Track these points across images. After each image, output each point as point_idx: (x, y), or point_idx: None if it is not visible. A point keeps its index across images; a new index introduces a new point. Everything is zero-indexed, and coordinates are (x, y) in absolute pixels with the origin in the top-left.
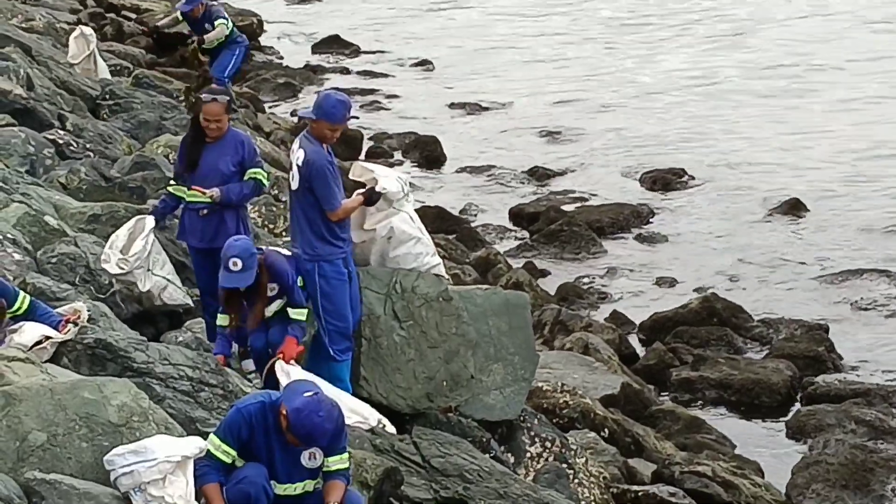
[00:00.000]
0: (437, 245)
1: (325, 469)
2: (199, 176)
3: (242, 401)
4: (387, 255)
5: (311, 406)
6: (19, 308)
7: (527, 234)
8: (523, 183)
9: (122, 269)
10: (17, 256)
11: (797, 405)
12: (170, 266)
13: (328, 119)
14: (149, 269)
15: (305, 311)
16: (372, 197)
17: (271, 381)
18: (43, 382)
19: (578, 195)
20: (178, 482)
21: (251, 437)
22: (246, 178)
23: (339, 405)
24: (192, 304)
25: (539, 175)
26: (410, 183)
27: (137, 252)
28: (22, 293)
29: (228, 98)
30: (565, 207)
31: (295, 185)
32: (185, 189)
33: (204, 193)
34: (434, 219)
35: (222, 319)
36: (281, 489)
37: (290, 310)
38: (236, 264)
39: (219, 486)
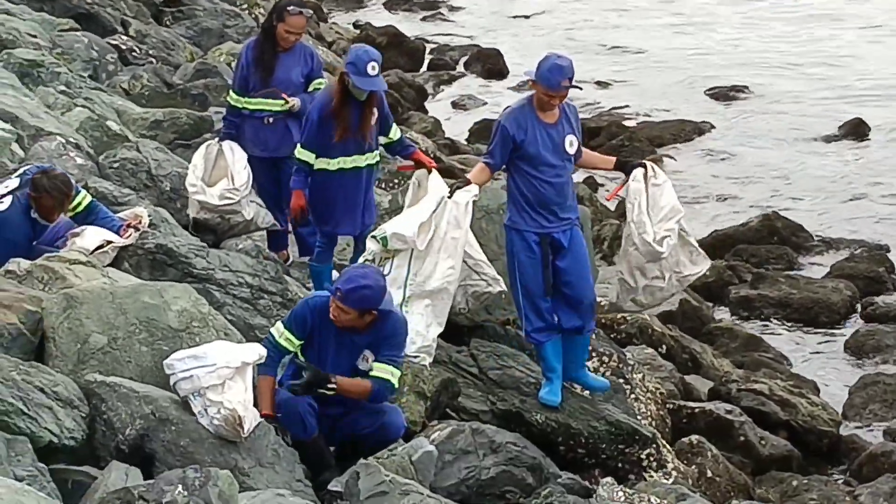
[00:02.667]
0: None
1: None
2: (272, 85)
3: (312, 294)
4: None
5: (360, 266)
6: (79, 204)
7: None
8: (585, 98)
9: (232, 198)
10: (79, 160)
11: (856, 325)
12: None
13: (542, 82)
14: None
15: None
16: None
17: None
18: (104, 286)
19: (640, 111)
20: (237, 388)
21: (313, 329)
22: (311, 88)
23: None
24: (280, 226)
25: (601, 90)
26: None
27: (245, 181)
28: (83, 191)
29: (312, 12)
30: (627, 123)
31: None
32: (251, 99)
33: (286, 101)
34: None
35: (306, 155)
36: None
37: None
38: (374, 68)
39: (272, 380)
